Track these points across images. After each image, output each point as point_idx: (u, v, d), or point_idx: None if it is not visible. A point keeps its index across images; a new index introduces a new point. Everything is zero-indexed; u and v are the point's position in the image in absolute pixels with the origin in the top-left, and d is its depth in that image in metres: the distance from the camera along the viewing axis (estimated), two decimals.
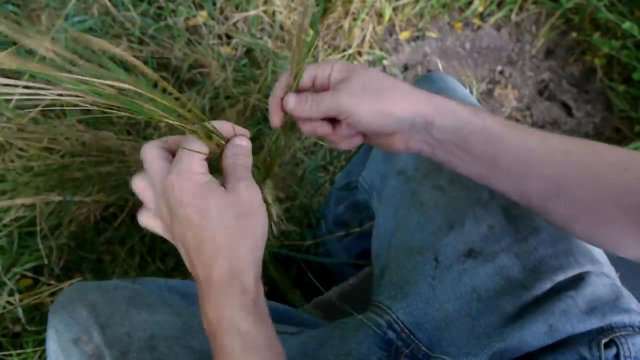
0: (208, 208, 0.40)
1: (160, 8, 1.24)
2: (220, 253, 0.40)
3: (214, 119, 0.46)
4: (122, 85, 0.37)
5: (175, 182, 0.40)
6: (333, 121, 0.49)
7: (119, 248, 1.02)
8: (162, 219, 0.43)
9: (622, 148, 0.45)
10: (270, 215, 0.50)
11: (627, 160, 0.43)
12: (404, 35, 1.46)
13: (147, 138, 1.11)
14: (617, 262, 0.54)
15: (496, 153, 0.45)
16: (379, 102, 0.45)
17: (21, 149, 0.97)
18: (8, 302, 0.87)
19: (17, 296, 0.89)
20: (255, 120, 1.18)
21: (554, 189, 0.44)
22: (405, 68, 1.44)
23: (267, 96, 1.20)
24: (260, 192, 0.43)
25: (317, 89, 0.49)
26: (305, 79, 0.48)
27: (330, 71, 0.47)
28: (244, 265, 0.41)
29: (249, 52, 1.28)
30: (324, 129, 0.49)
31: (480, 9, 1.53)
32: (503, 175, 0.46)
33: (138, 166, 1.01)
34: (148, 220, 0.45)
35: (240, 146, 0.45)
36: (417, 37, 1.48)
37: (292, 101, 0.48)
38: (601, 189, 0.42)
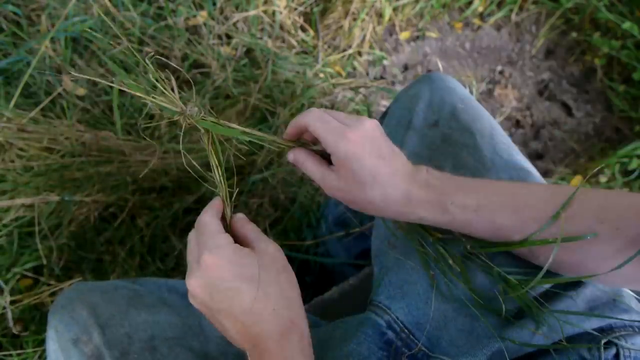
0: (252, 272, 0.43)
1: (160, 8, 1.24)
2: (278, 306, 0.43)
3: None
4: None
5: (208, 260, 0.43)
6: None
7: (119, 248, 1.02)
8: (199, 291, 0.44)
9: (593, 193, 0.46)
10: None
11: (600, 210, 0.44)
12: (404, 35, 1.46)
13: (147, 138, 1.11)
14: None
15: (469, 232, 0.50)
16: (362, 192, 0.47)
17: (21, 149, 0.97)
18: (10, 302, 0.87)
19: (17, 296, 0.89)
20: (256, 120, 1.18)
21: (532, 253, 0.49)
22: (405, 68, 1.44)
23: (267, 96, 1.20)
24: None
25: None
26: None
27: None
28: (300, 313, 0.44)
29: (249, 52, 1.28)
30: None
31: (480, 9, 1.53)
32: (482, 232, 0.50)
33: (138, 166, 1.02)
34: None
35: (245, 218, 0.50)
36: (417, 37, 1.48)
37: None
38: (579, 250, 0.45)
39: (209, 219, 0.46)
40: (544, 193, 0.48)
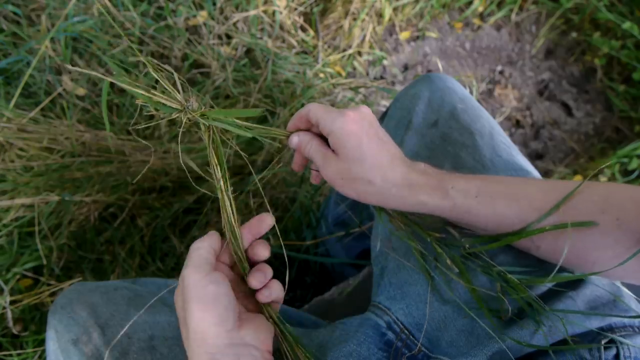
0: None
1: (160, 8, 1.24)
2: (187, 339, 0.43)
3: None
4: None
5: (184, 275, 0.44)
6: None
7: (119, 248, 1.02)
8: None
9: (595, 185, 0.46)
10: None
11: (602, 202, 0.45)
12: (404, 35, 1.46)
13: (147, 138, 1.11)
14: None
15: (470, 222, 0.49)
16: (363, 184, 0.48)
17: (21, 149, 0.97)
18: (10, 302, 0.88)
19: (17, 296, 0.89)
20: (256, 120, 1.18)
21: (532, 243, 0.48)
22: (405, 68, 1.44)
23: (267, 96, 1.20)
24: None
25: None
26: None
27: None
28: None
29: (249, 52, 1.28)
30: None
31: (480, 9, 1.53)
32: (483, 231, 0.50)
33: (138, 166, 1.02)
34: None
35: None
36: (417, 37, 1.48)
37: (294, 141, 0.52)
38: (579, 239, 0.45)
39: (205, 246, 0.46)
40: (544, 185, 0.48)
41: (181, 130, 0.45)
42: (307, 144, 0.50)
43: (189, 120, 0.44)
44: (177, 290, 0.45)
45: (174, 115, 0.44)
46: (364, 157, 0.46)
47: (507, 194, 0.47)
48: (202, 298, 0.41)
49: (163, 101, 0.43)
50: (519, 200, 0.47)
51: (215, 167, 0.47)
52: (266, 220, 0.49)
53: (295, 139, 0.51)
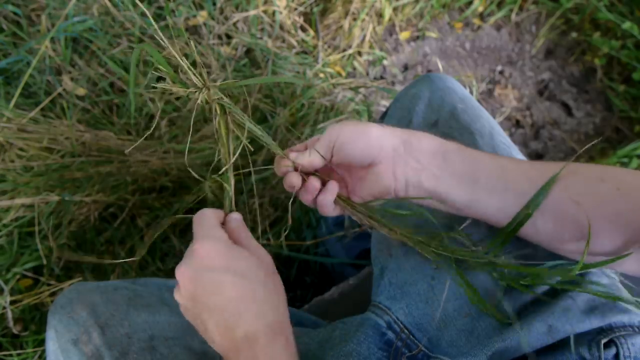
0: (242, 267, 0.42)
1: (160, 8, 1.24)
2: (264, 308, 0.42)
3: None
4: None
5: (200, 249, 0.42)
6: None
7: (119, 248, 1.02)
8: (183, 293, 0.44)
9: (593, 164, 0.48)
10: None
11: (600, 172, 0.45)
12: (404, 35, 1.46)
13: (147, 138, 1.11)
14: None
15: (474, 170, 0.48)
16: (361, 135, 0.48)
17: (21, 149, 0.97)
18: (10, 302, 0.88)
19: (17, 296, 0.89)
20: (256, 121, 1.18)
21: (535, 228, 0.47)
22: (405, 68, 1.44)
23: (267, 96, 1.20)
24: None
25: None
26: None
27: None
28: (286, 319, 0.43)
29: (249, 52, 1.28)
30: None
31: (480, 9, 1.53)
32: (486, 194, 0.48)
33: (138, 166, 1.02)
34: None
35: (240, 219, 0.49)
36: (417, 37, 1.48)
37: (293, 155, 0.51)
38: (580, 203, 0.44)
39: (208, 212, 0.46)
40: (536, 165, 0.49)
41: (196, 107, 0.45)
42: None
43: (207, 103, 0.44)
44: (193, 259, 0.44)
45: (195, 94, 0.44)
46: (361, 129, 0.48)
47: (508, 157, 0.49)
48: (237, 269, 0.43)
49: (188, 78, 0.43)
50: (520, 162, 0.49)
51: (224, 142, 0.47)
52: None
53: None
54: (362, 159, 0.49)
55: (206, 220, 0.45)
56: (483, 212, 0.49)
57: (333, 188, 0.49)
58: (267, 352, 0.40)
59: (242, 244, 0.46)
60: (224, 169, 0.47)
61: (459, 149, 0.49)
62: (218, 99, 0.44)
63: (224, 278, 0.41)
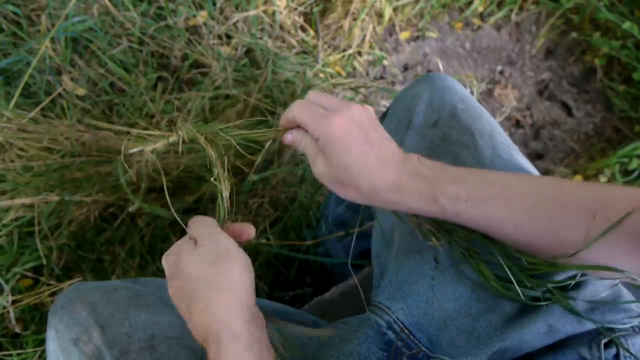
0: (181, 263, 0.46)
1: (160, 8, 1.24)
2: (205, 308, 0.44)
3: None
4: None
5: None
6: None
7: (119, 248, 1.02)
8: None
9: (585, 184, 0.46)
10: None
11: (592, 203, 0.43)
12: (404, 35, 1.46)
13: (147, 138, 1.11)
14: None
15: (460, 223, 0.48)
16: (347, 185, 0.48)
17: (21, 149, 0.97)
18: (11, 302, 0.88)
19: (17, 296, 0.89)
20: (256, 120, 1.18)
21: (525, 245, 0.47)
22: (405, 68, 1.44)
23: (267, 96, 1.20)
24: (233, 242, 0.47)
25: None
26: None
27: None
28: (226, 317, 0.43)
29: (249, 52, 1.28)
30: None
31: (480, 9, 1.53)
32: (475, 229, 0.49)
33: (138, 166, 1.01)
34: None
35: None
36: (417, 37, 1.48)
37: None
38: (564, 247, 0.43)
39: (207, 218, 0.49)
40: (538, 182, 0.47)
41: (180, 145, 0.47)
42: (300, 141, 0.50)
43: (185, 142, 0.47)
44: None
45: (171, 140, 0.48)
46: (349, 164, 0.46)
47: (498, 197, 0.46)
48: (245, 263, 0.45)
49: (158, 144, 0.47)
50: (511, 202, 0.45)
51: (218, 174, 0.48)
52: (248, 232, 0.51)
53: (289, 137, 0.51)
54: None
55: (206, 220, 0.48)
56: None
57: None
58: (220, 348, 0.42)
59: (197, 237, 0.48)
60: (217, 182, 0.49)
61: (443, 212, 0.48)
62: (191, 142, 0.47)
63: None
